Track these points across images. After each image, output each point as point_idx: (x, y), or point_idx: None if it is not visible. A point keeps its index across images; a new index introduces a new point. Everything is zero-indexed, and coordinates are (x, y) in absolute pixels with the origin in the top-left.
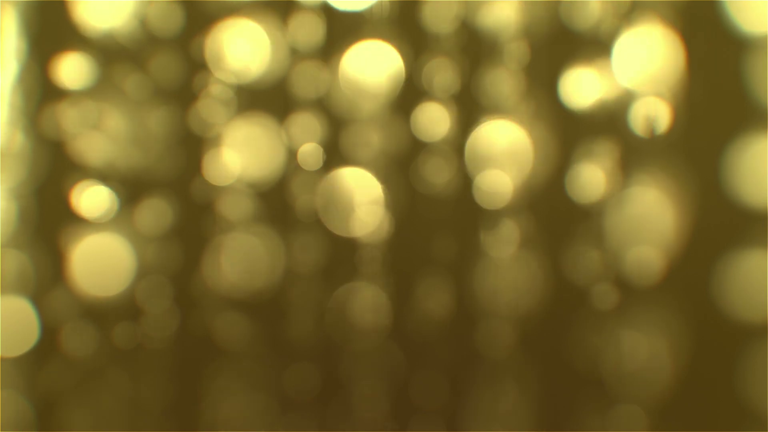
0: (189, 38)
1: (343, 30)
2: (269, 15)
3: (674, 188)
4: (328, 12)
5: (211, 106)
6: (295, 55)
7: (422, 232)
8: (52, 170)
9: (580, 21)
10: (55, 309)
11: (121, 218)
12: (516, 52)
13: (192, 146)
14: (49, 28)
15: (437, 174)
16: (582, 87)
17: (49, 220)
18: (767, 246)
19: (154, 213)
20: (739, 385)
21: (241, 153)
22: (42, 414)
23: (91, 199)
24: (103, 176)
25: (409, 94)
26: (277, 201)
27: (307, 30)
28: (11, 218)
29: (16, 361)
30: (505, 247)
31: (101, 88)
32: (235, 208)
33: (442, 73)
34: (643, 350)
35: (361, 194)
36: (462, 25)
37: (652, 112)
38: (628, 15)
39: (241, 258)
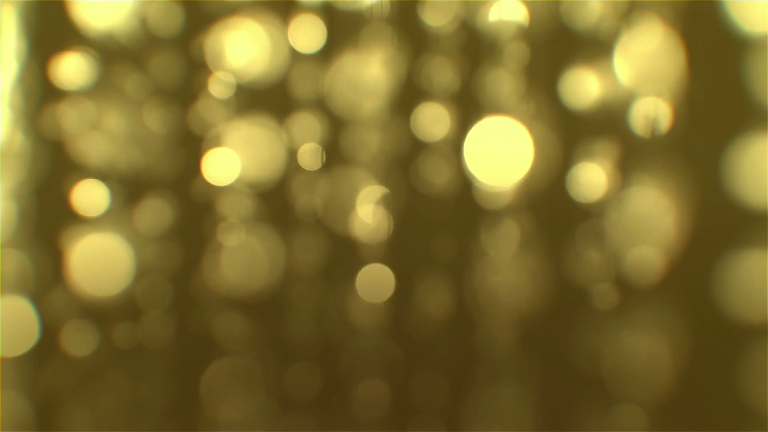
0: (189, 38)
1: (343, 30)
2: (269, 15)
3: (674, 188)
4: (328, 12)
5: (211, 106)
6: (295, 55)
7: (422, 232)
8: (52, 170)
9: (580, 21)
10: (55, 309)
11: (121, 218)
12: (516, 52)
13: (192, 146)
14: (49, 28)
15: (437, 174)
16: (582, 87)
17: (49, 220)
18: (767, 246)
19: (154, 213)
20: (739, 385)
21: (241, 153)
22: (42, 414)
23: (91, 199)
24: (103, 176)
25: (409, 94)
26: (277, 201)
27: (307, 30)
28: (11, 218)
29: (16, 361)
30: (505, 247)
31: (101, 88)
32: (235, 208)
33: (442, 73)
34: (643, 350)
35: (361, 194)
36: (462, 25)
37: (653, 112)
38: (628, 15)
39: (241, 258)
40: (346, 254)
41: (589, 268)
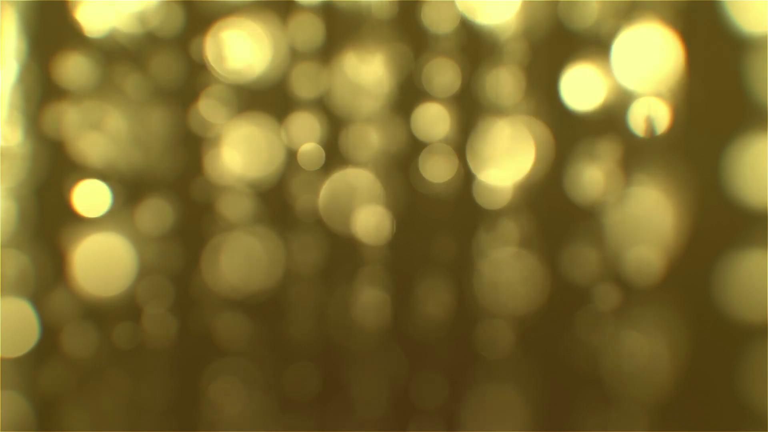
0: (189, 38)
1: (343, 30)
2: (269, 15)
3: (674, 188)
4: (328, 12)
5: (211, 106)
6: (295, 55)
7: (422, 232)
8: (52, 170)
9: (580, 21)
10: (55, 309)
11: (121, 218)
12: (516, 52)
13: (192, 146)
14: (49, 28)
15: (437, 174)
16: (582, 87)
17: (49, 220)
18: (767, 246)
19: (154, 213)
20: (739, 385)
21: (241, 153)
22: (42, 414)
23: (91, 199)
24: (103, 176)
25: (409, 94)
26: (277, 201)
27: (307, 30)
28: (11, 218)
29: (16, 361)
30: (505, 247)
31: (101, 88)
32: (235, 208)
33: (442, 73)
34: (643, 350)
35: (361, 194)
36: (462, 25)
37: (652, 112)
38: (628, 15)
39: (241, 258)
40: (346, 254)
41: (589, 268)
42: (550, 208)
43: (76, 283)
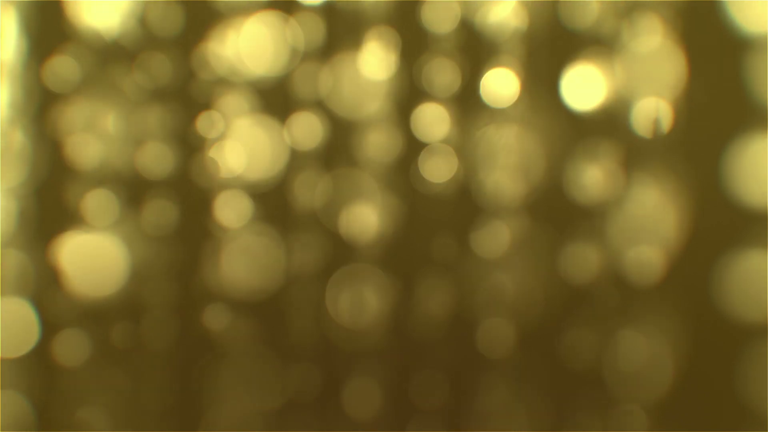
0: (189, 38)
1: (343, 30)
2: (269, 15)
3: (674, 188)
4: (329, 12)
5: (212, 106)
6: (296, 55)
7: (422, 232)
8: (52, 170)
9: (580, 21)
10: (55, 309)
11: (121, 218)
12: (516, 52)
13: (192, 146)
14: (49, 28)
15: (437, 174)
16: (582, 87)
17: (49, 220)
18: (767, 246)
19: (154, 213)
20: (739, 385)
21: (241, 153)
22: (42, 414)
23: (91, 199)
24: (103, 176)
25: (409, 94)
26: (277, 201)
27: (308, 30)
28: (11, 218)
29: (16, 361)
30: (504, 247)
31: (101, 88)
32: (235, 208)
33: (442, 73)
34: (643, 350)
35: (361, 194)
36: (462, 25)
37: (653, 113)
38: (628, 15)
39: (241, 258)
40: (346, 254)
41: (589, 268)
42: (550, 208)
43: (75, 284)
